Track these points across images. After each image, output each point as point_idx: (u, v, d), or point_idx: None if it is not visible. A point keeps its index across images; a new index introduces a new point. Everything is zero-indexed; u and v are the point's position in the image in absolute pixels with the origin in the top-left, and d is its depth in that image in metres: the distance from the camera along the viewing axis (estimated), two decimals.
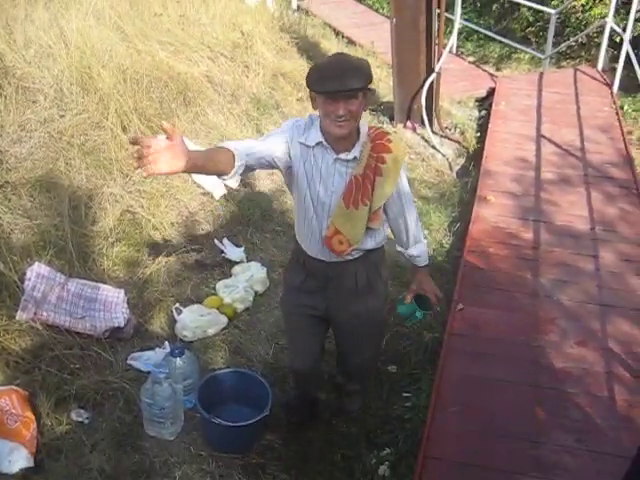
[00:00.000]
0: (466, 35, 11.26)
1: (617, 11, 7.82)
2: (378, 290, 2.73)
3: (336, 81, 2.15)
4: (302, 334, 2.86)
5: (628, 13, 7.44)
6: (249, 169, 2.29)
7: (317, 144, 2.35)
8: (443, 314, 3.72)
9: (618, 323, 3.56)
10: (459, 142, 6.35)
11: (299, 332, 2.87)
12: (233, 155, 2.17)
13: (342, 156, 2.36)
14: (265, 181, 4.99)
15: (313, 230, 2.51)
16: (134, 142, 1.73)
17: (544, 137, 5.93)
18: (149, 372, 2.92)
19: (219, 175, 2.18)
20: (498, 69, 9.80)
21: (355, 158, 2.36)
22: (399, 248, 2.73)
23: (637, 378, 3.16)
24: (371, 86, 2.29)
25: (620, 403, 3.01)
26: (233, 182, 2.26)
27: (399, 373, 3.50)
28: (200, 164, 1.99)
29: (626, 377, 3.18)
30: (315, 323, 2.79)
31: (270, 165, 2.38)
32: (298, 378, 3.14)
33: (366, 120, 2.47)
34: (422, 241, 2.70)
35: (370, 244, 2.57)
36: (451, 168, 5.87)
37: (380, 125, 6.15)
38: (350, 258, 2.56)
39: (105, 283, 3.68)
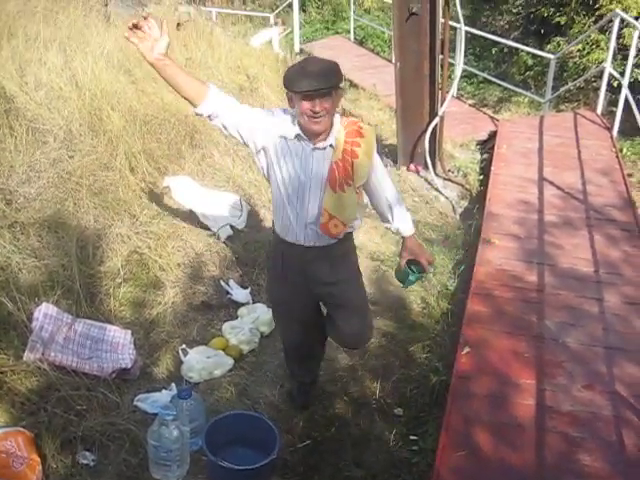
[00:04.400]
0: (466, 78, 11.46)
1: (614, 56, 7.98)
2: (351, 262, 3.03)
3: (311, 81, 2.44)
4: (290, 323, 3.14)
5: (625, 58, 7.60)
6: (220, 120, 2.61)
7: (296, 136, 2.61)
8: (450, 356, 3.73)
9: (625, 366, 3.55)
10: (462, 185, 6.42)
11: (288, 321, 3.15)
12: (207, 92, 2.55)
13: (319, 145, 2.62)
14: (270, 222, 5.02)
15: (296, 213, 2.73)
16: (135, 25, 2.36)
17: (546, 180, 5.99)
18: (156, 414, 2.90)
19: (189, 101, 2.57)
20: (498, 112, 9.95)
21: (331, 146, 2.63)
22: (386, 225, 3.01)
23: None
24: (341, 85, 2.58)
25: (629, 448, 2.99)
26: (202, 113, 2.60)
27: (406, 416, 3.48)
28: (172, 73, 2.48)
29: (635, 421, 3.16)
30: (302, 311, 3.07)
31: (239, 134, 2.65)
32: (295, 354, 3.34)
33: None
34: (404, 212, 2.94)
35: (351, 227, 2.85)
36: (455, 211, 5.91)
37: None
38: (327, 244, 2.81)
39: (112, 323, 3.69)
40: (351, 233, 2.95)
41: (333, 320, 3.12)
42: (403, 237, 2.98)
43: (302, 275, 2.90)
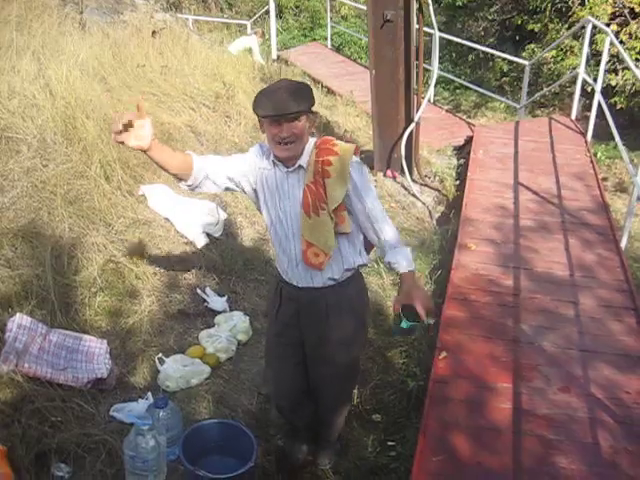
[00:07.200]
0: (442, 84, 11.56)
1: (587, 62, 8.08)
2: (351, 320, 2.73)
3: (279, 105, 2.31)
4: (282, 363, 2.90)
5: (598, 64, 7.69)
6: (211, 182, 2.54)
7: (272, 163, 2.54)
8: (427, 361, 3.74)
9: (600, 368, 3.58)
10: (439, 190, 6.45)
11: (279, 361, 2.92)
12: (192, 161, 2.46)
13: (291, 168, 2.51)
14: (248, 230, 5.02)
15: (285, 250, 2.62)
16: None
17: (522, 185, 6.04)
18: (132, 424, 2.87)
19: (179, 179, 2.49)
20: (474, 117, 10.05)
21: (301, 166, 2.49)
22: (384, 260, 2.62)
23: (621, 424, 3.17)
24: (314, 109, 2.45)
25: (605, 449, 3.01)
26: (191, 185, 2.52)
27: (384, 422, 3.49)
28: (160, 154, 2.33)
29: (610, 422, 3.19)
30: (295, 352, 2.83)
31: (234, 184, 2.59)
32: (284, 412, 3.13)
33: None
34: (399, 246, 2.55)
35: (343, 262, 2.61)
36: (431, 216, 5.94)
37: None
38: (322, 285, 2.61)
39: (87, 333, 3.64)
40: (354, 278, 2.71)
41: (312, 380, 2.93)
42: (399, 275, 2.54)
43: (295, 319, 2.73)
